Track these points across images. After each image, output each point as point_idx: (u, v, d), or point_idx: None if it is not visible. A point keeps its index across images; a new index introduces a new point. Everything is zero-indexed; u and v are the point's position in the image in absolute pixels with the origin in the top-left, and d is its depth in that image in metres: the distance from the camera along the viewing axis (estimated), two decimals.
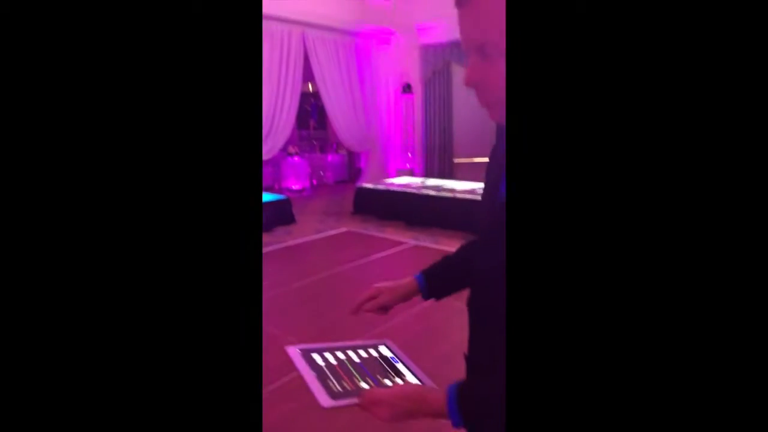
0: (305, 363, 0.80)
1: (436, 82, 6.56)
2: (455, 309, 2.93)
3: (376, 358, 0.87)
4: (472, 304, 0.75)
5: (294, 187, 7.36)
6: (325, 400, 0.71)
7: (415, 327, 2.77)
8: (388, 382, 0.79)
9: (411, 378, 0.82)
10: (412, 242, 4.58)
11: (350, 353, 0.86)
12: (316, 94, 7.24)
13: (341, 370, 0.80)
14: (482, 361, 0.72)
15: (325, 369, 0.79)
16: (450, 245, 4.34)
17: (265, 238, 4.64)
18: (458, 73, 6.46)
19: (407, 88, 6.80)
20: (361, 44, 6.66)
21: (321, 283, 3.58)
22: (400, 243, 4.56)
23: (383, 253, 4.25)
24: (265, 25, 5.28)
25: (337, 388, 0.74)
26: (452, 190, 5.20)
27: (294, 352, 0.83)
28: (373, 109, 6.96)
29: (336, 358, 0.84)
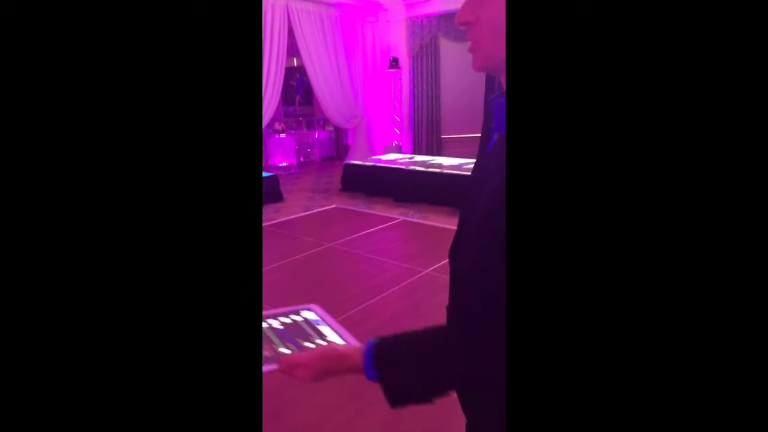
0: None
1: (424, 56, 6.49)
2: (441, 282, 2.94)
3: (299, 322, 0.85)
4: (451, 256, 0.75)
5: (281, 165, 7.31)
6: None
7: (406, 301, 2.82)
8: (309, 345, 0.78)
9: (334, 338, 0.81)
10: (401, 218, 4.60)
11: (271, 321, 0.85)
12: (301, 69, 7.11)
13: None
14: (454, 319, 0.73)
15: None
16: (438, 220, 4.35)
17: None
18: (446, 47, 6.39)
19: (394, 63, 6.71)
20: (347, 17, 6.52)
21: (311, 259, 3.60)
22: (389, 219, 4.58)
23: (372, 229, 4.27)
24: None
25: None
26: (440, 166, 5.21)
27: None
28: (359, 85, 6.87)
29: None
